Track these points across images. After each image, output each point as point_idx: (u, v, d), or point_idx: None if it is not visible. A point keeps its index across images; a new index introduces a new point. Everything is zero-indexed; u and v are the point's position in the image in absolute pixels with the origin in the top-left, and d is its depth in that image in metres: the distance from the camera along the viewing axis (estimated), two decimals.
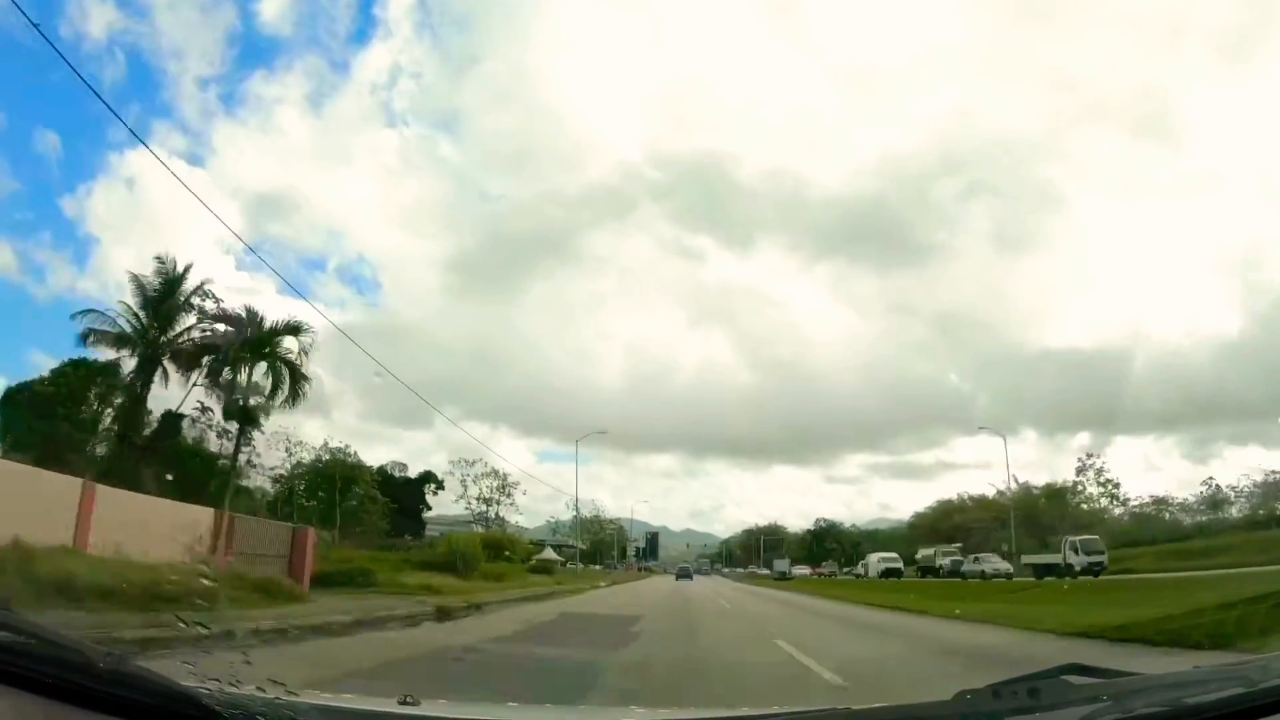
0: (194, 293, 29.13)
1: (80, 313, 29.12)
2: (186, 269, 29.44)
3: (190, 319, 28.85)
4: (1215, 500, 50.77)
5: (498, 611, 17.16)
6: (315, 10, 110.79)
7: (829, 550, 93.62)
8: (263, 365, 26.90)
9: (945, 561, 48.19)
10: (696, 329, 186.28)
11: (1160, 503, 55.11)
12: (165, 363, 28.66)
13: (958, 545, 52.16)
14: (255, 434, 39.72)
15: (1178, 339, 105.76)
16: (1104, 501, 55.51)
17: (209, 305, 28.87)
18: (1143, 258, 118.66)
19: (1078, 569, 34.00)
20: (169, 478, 25.95)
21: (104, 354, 29.42)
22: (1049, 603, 17.68)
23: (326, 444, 49.82)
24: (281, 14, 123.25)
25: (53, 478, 15.08)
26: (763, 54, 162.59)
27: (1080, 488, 56.09)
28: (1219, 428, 78.62)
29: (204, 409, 36.79)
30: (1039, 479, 60.20)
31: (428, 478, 61.91)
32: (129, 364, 29.06)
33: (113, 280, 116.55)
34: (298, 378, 26.88)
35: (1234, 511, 49.18)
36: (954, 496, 69.93)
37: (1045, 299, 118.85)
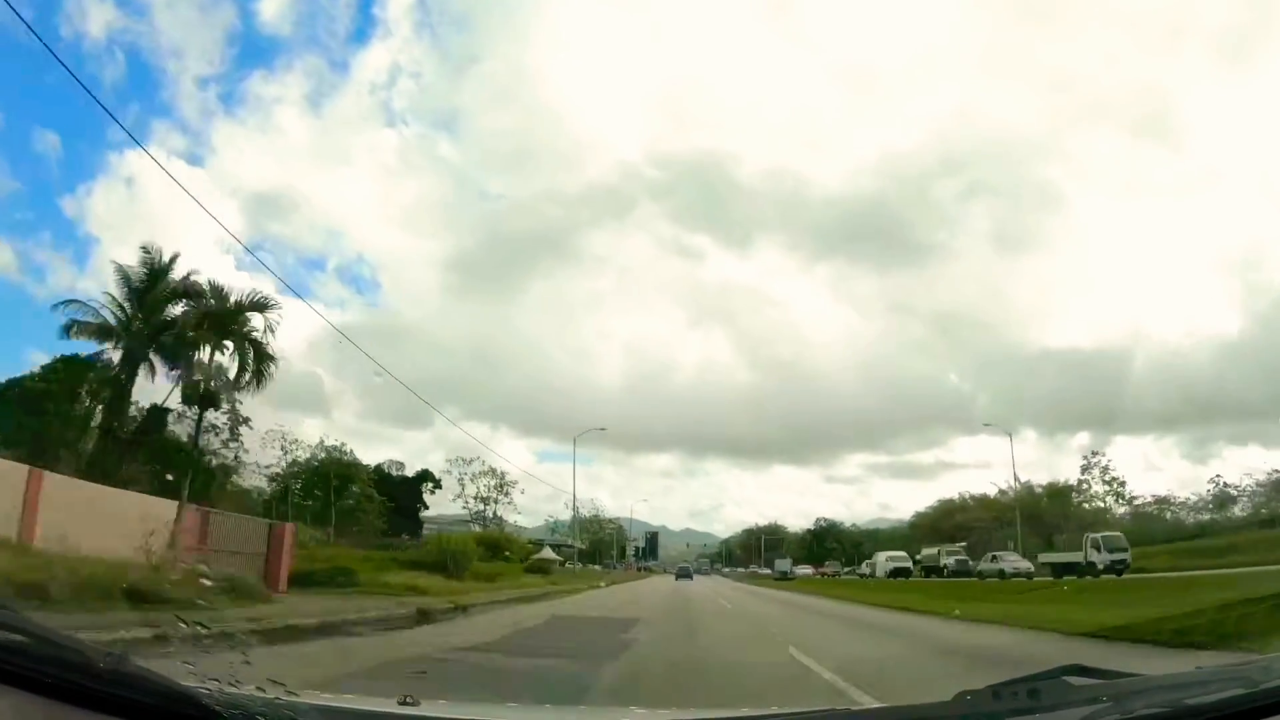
0: (181, 283, 27.53)
1: (61, 303, 28.17)
2: (173, 258, 28.28)
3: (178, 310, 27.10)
4: (1224, 498, 50.77)
5: (483, 614, 16.47)
6: (314, 10, 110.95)
7: (829, 550, 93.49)
8: (229, 348, 24.70)
9: (950, 561, 47.67)
10: (696, 328, 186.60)
11: (1162, 502, 55.23)
12: (152, 355, 27.31)
13: (962, 544, 51.87)
14: (246, 430, 39.42)
15: (1178, 339, 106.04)
16: (1109, 500, 55.56)
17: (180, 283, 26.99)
18: (1143, 258, 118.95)
19: (1100, 567, 32.93)
20: (163, 474, 25.34)
21: (88, 346, 28.58)
22: (1081, 604, 16.52)
23: (322, 442, 49.99)
24: (281, 13, 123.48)
25: None
26: (762, 53, 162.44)
27: (1086, 486, 56.15)
28: (1219, 428, 78.98)
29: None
30: (1039, 478, 60.26)
31: (425, 477, 61.78)
32: (116, 356, 28.08)
33: (112, 280, 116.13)
34: (263, 357, 24.91)
35: (1235, 510, 49.33)
36: (955, 496, 70.07)
37: (1045, 299, 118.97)
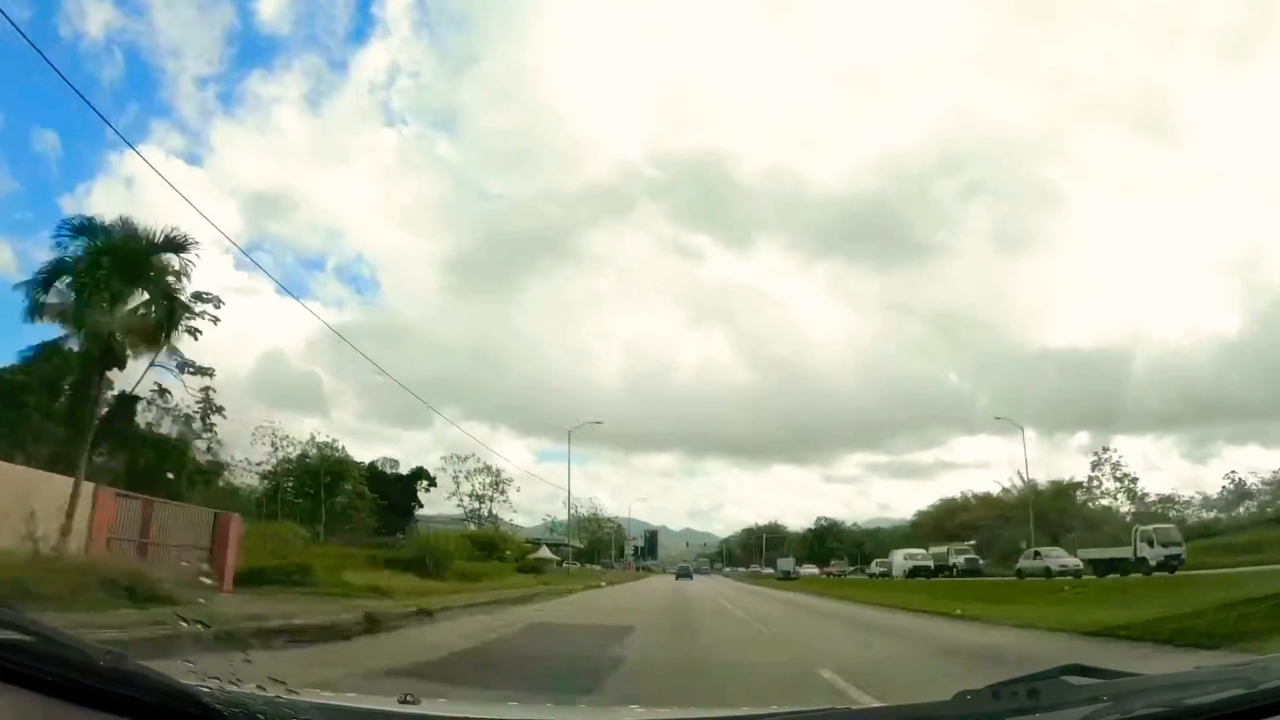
0: (76, 218, 22.52)
1: (21, 284, 21.83)
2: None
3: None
4: (1241, 494, 50.62)
5: (451, 620, 14.26)
6: (313, 9, 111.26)
7: (830, 549, 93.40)
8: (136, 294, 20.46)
9: (960, 560, 46.98)
10: (695, 328, 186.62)
11: (1166, 501, 55.08)
12: (120, 338, 21.79)
13: (971, 543, 51.34)
14: (222, 422, 38.38)
15: (1178, 339, 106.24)
16: (1120, 497, 55.32)
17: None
18: (1143, 258, 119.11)
19: (1153, 564, 30.31)
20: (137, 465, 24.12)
21: (53, 331, 24.41)
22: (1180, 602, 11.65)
23: (313, 438, 49.24)
24: (280, 13, 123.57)
25: None
26: (761, 52, 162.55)
27: (1096, 483, 55.90)
28: (1219, 428, 79.13)
29: (161, 391, 35.08)
30: (1039, 478, 60.11)
31: (419, 474, 61.29)
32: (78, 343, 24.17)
33: None
34: (175, 307, 21.37)
35: (1240, 510, 49.38)
36: (957, 495, 69.81)
37: (1045, 298, 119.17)
